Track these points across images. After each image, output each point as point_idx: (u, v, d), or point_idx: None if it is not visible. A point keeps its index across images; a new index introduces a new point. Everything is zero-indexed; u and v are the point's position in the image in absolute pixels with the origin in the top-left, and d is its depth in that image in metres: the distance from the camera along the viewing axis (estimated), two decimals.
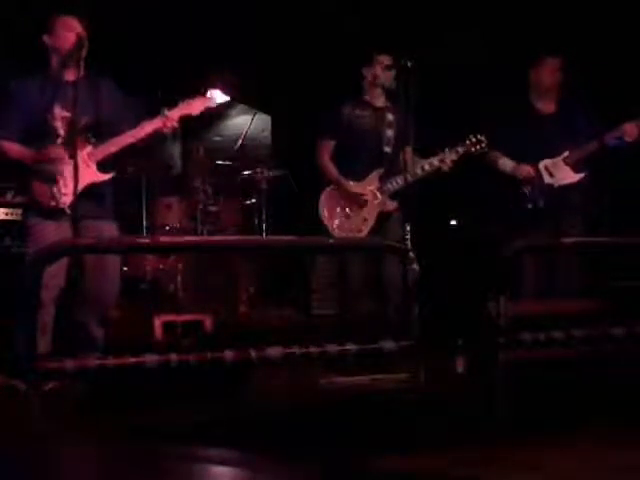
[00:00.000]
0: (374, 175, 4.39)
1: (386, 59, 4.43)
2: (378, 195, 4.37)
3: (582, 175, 4.41)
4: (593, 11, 5.11)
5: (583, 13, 5.15)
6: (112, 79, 3.81)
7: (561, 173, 4.43)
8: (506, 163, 4.50)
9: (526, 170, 4.44)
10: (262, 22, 6.00)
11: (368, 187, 4.38)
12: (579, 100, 4.55)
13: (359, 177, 4.40)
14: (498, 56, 5.39)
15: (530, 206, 4.44)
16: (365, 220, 4.37)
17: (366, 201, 4.36)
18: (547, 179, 4.43)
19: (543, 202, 4.41)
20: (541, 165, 4.44)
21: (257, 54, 6.21)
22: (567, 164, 4.42)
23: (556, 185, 4.41)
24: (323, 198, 4.45)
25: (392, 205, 4.37)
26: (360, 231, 4.35)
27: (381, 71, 4.44)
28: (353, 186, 4.38)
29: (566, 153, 4.41)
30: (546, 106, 4.57)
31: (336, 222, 4.40)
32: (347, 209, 4.40)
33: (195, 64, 6.04)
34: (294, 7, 5.85)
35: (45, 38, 3.67)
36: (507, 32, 5.41)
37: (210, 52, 6.10)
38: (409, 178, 4.26)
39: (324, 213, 4.43)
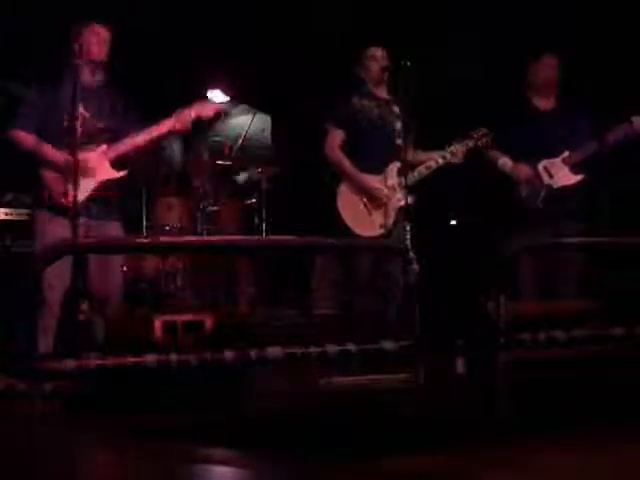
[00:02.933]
0: (392, 168, 4.31)
1: (374, 51, 4.42)
2: (398, 190, 4.29)
3: (581, 176, 4.40)
4: (592, 8, 5.11)
5: (582, 10, 5.14)
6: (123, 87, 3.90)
7: (560, 174, 4.41)
8: (506, 163, 4.49)
9: (525, 170, 4.43)
10: (262, 22, 6.00)
11: (388, 181, 4.31)
12: (578, 97, 4.54)
13: (377, 171, 4.33)
14: (496, 54, 5.39)
15: (529, 207, 4.43)
16: (387, 216, 4.28)
17: (387, 197, 4.29)
18: (546, 180, 4.41)
19: (542, 203, 4.40)
20: (540, 166, 4.43)
21: (257, 54, 6.20)
22: (566, 165, 4.40)
23: (555, 186, 4.39)
24: (341, 193, 4.34)
25: (410, 199, 4.29)
26: (382, 227, 4.26)
27: (372, 63, 4.42)
28: (373, 182, 4.31)
29: (566, 154, 4.39)
30: (544, 103, 4.56)
31: (356, 218, 4.29)
32: (368, 205, 4.30)
33: (195, 64, 6.04)
34: (294, 7, 5.85)
35: (72, 44, 3.74)
36: (505, 29, 5.41)
37: (210, 52, 6.10)
38: (425, 171, 4.25)
39: (343, 209, 4.32)
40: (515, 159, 4.46)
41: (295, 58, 6.21)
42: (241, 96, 6.85)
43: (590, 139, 4.33)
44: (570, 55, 4.58)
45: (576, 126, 4.44)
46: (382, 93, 4.49)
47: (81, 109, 3.70)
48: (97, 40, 3.75)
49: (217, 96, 6.57)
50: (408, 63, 4.04)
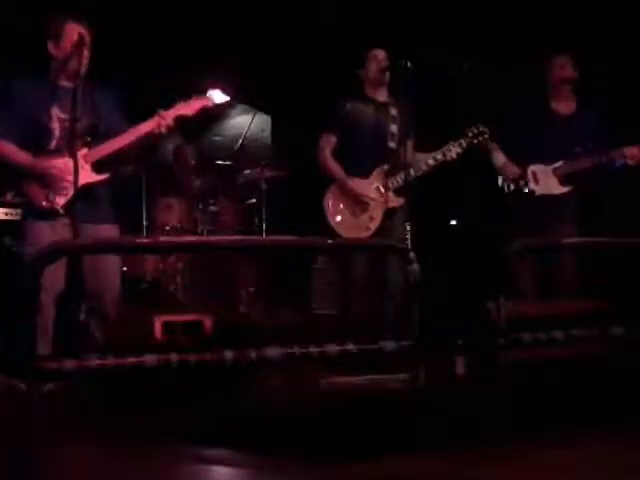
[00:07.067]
0: (378, 171, 4.36)
1: (375, 52, 4.43)
2: (383, 192, 4.33)
3: (567, 189, 4.35)
4: (610, 8, 5.06)
5: (598, 12, 5.09)
6: (113, 86, 3.83)
7: (546, 182, 4.37)
8: (499, 157, 4.46)
9: (514, 171, 4.41)
10: (262, 22, 6.00)
11: (373, 184, 4.35)
12: (597, 101, 4.49)
13: (364, 174, 4.37)
14: (514, 56, 5.34)
15: (514, 207, 4.41)
16: (372, 218, 4.33)
17: (371, 199, 4.33)
18: (531, 185, 4.38)
19: (525, 206, 4.37)
20: (530, 169, 4.40)
21: (257, 54, 6.20)
22: (556, 175, 4.36)
23: (537, 194, 4.37)
24: (328, 197, 4.41)
25: (397, 201, 4.34)
26: (368, 229, 4.33)
27: (372, 64, 4.43)
28: (357, 184, 4.35)
29: (559, 163, 4.36)
30: (562, 107, 4.50)
31: (342, 221, 4.36)
32: (353, 208, 4.37)
33: (195, 64, 6.04)
34: (294, 7, 5.85)
35: (49, 43, 3.68)
36: (521, 31, 5.37)
37: (210, 52, 6.10)
38: (413, 173, 4.26)
39: (329, 212, 4.39)
40: (527, 162, 4.41)
41: (295, 58, 6.21)
42: (241, 96, 6.85)
43: (601, 146, 4.28)
44: (587, 57, 4.53)
45: (591, 131, 4.37)
46: (381, 95, 4.50)
47: (57, 111, 3.61)
48: (72, 37, 3.58)
49: (217, 96, 6.57)
50: (408, 63, 4.05)
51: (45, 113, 3.62)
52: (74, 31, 3.62)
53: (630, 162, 4.21)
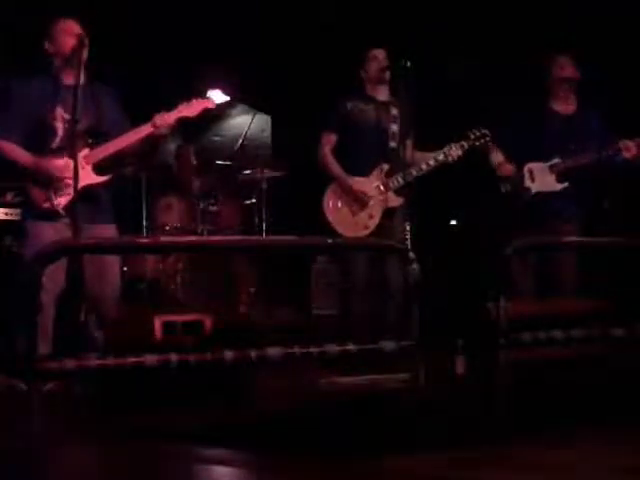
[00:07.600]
0: (379, 170, 4.36)
1: (375, 52, 4.44)
2: (383, 191, 4.34)
3: (563, 185, 4.34)
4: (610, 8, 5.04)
5: (598, 12, 5.08)
6: (113, 86, 3.83)
7: (543, 180, 4.35)
8: (496, 156, 4.45)
9: (507, 169, 4.40)
10: (262, 22, 6.00)
11: (373, 183, 4.35)
12: (597, 101, 4.48)
13: (364, 172, 4.37)
14: (514, 56, 5.33)
15: (512, 207, 4.40)
16: (371, 217, 4.33)
17: (370, 198, 4.33)
18: (527, 183, 4.37)
19: (523, 204, 4.36)
20: (526, 167, 4.38)
21: (257, 54, 6.21)
22: (552, 172, 4.35)
23: (533, 191, 4.36)
24: (327, 195, 4.40)
25: (397, 201, 4.34)
26: (366, 228, 4.32)
27: (372, 64, 4.44)
28: (357, 183, 4.35)
29: (555, 160, 4.35)
30: (563, 107, 4.48)
31: (341, 218, 4.36)
32: (352, 206, 4.36)
33: (195, 64, 6.04)
34: (294, 7, 5.86)
35: (46, 43, 3.68)
36: (521, 31, 5.36)
37: (210, 52, 6.10)
38: (414, 173, 4.26)
39: (329, 210, 4.38)
40: (527, 162, 4.40)
41: (295, 58, 6.21)
42: (241, 96, 6.85)
43: (584, 153, 4.27)
44: (587, 57, 4.52)
45: (592, 131, 4.36)
46: (382, 94, 4.49)
47: (61, 111, 3.60)
48: (70, 37, 3.56)
49: (217, 96, 6.58)
50: (408, 63, 4.05)
51: (49, 112, 3.62)
52: (70, 30, 3.62)
53: (626, 155, 4.18)
